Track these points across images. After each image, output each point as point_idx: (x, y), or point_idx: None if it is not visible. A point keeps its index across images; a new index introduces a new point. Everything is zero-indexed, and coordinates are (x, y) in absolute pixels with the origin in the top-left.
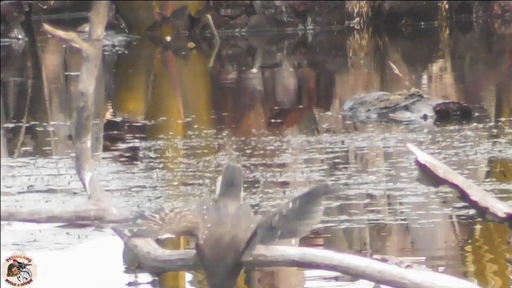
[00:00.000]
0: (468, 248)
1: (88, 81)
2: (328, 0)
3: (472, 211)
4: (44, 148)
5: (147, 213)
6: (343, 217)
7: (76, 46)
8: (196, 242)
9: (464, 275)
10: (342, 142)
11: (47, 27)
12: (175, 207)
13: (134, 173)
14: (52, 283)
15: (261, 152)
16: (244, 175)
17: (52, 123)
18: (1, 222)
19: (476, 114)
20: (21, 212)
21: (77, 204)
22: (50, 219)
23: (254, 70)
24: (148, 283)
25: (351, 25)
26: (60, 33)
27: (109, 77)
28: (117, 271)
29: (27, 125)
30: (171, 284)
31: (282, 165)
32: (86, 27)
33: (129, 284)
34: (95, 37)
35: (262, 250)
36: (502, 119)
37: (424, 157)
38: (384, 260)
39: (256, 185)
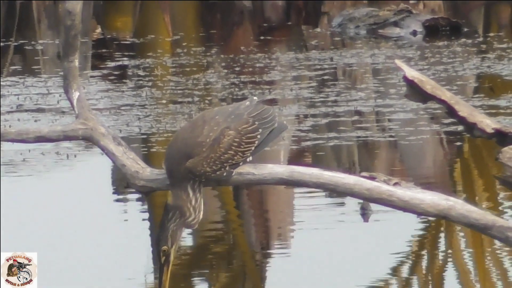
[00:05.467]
0: (456, 164)
1: None
2: None
3: (460, 127)
4: (33, 67)
5: None
6: (331, 134)
7: None
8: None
9: (453, 191)
10: (331, 59)
11: None
12: None
13: (123, 91)
14: (42, 203)
15: (250, 69)
16: (233, 93)
17: (41, 41)
18: None
19: (465, 29)
20: (9, 132)
21: (65, 123)
22: (38, 138)
23: None
24: (136, 199)
25: None
26: None
27: None
28: (105, 190)
29: (15, 44)
30: (159, 201)
31: (271, 82)
32: None
33: (117, 200)
34: None
35: (250, 168)
36: (491, 34)
37: (412, 73)
38: (372, 178)
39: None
